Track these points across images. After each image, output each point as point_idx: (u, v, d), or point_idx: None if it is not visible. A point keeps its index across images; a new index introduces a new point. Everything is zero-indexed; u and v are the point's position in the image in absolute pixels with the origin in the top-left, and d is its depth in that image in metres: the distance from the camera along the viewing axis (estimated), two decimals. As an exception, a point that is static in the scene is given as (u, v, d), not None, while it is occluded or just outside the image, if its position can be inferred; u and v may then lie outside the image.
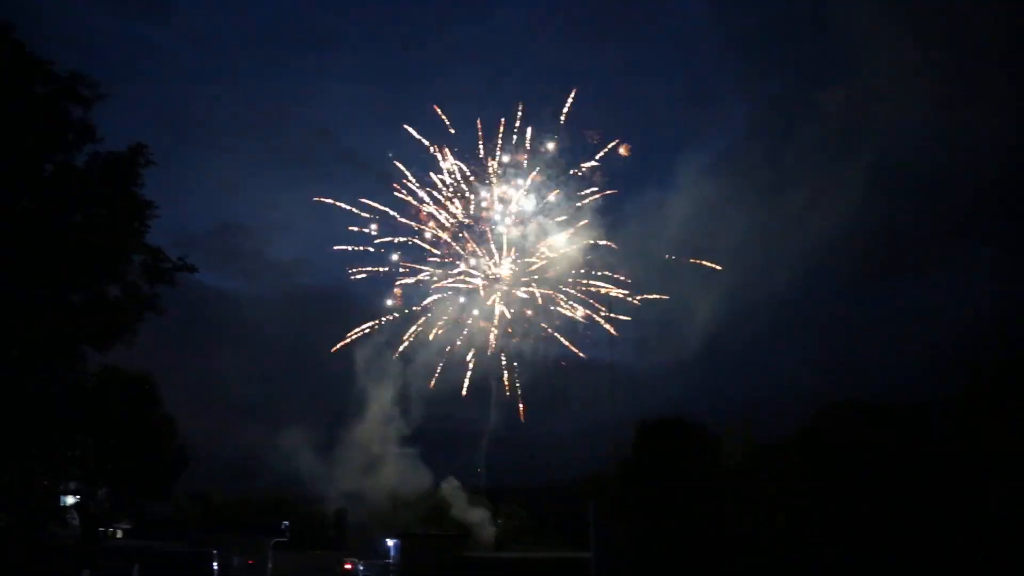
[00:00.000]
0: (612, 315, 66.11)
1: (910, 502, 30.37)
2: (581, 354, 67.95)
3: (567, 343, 68.14)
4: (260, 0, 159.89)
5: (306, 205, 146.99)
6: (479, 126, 67.20)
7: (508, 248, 68.67)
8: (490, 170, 66.94)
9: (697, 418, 41.73)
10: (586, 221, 66.74)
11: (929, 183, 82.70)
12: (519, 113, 66.44)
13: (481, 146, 66.70)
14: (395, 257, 69.08)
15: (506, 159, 67.10)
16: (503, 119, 66.48)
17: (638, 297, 67.00)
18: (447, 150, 67.10)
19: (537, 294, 68.24)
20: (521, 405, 68.27)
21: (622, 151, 65.83)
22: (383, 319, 70.06)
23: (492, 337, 69.68)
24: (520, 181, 67.67)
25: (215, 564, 42.00)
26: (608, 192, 66.60)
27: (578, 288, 67.78)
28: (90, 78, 21.04)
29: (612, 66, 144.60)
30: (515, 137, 66.32)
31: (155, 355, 39.30)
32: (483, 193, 68.40)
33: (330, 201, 70.54)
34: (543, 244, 67.92)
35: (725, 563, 34.31)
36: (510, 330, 68.82)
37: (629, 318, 67.64)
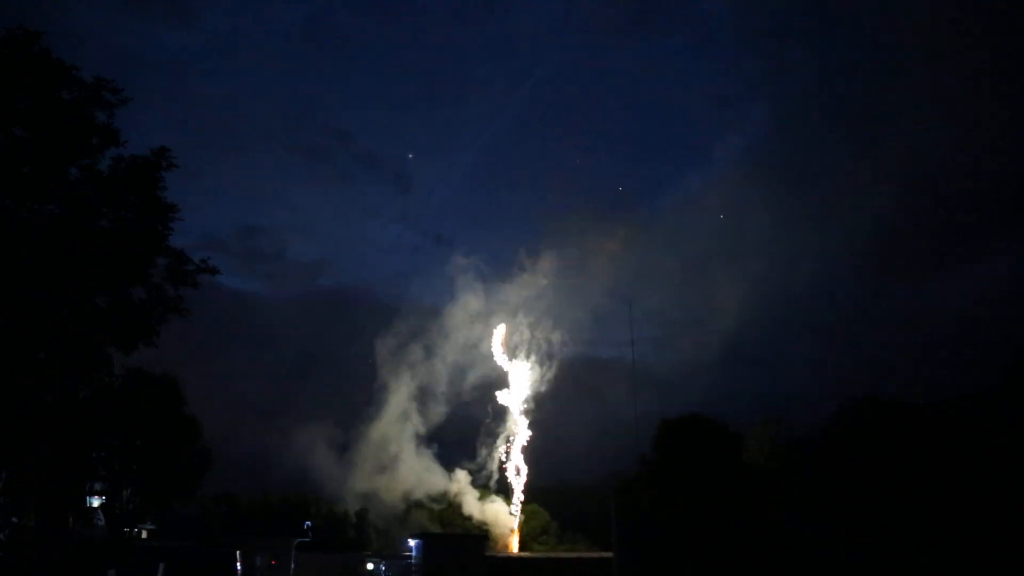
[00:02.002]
0: None
1: (935, 500, 29.99)
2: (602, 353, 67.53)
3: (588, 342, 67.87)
4: (282, 4, 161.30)
5: (326, 206, 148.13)
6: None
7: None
8: None
9: (719, 416, 41.47)
10: None
11: (952, 180, 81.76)
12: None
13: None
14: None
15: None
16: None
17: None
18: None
19: None
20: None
21: None
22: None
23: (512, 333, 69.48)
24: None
25: (238, 564, 42.36)
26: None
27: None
28: (114, 83, 21.24)
29: (632, 65, 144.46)
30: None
31: (179, 357, 39.67)
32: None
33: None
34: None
35: (749, 561, 34.06)
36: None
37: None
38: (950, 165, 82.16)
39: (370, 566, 56.49)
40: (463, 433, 75.74)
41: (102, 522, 41.37)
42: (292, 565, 52.18)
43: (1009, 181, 78.88)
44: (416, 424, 71.69)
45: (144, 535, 52.78)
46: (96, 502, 41.36)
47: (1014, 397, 30.65)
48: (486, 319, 72.88)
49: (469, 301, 73.49)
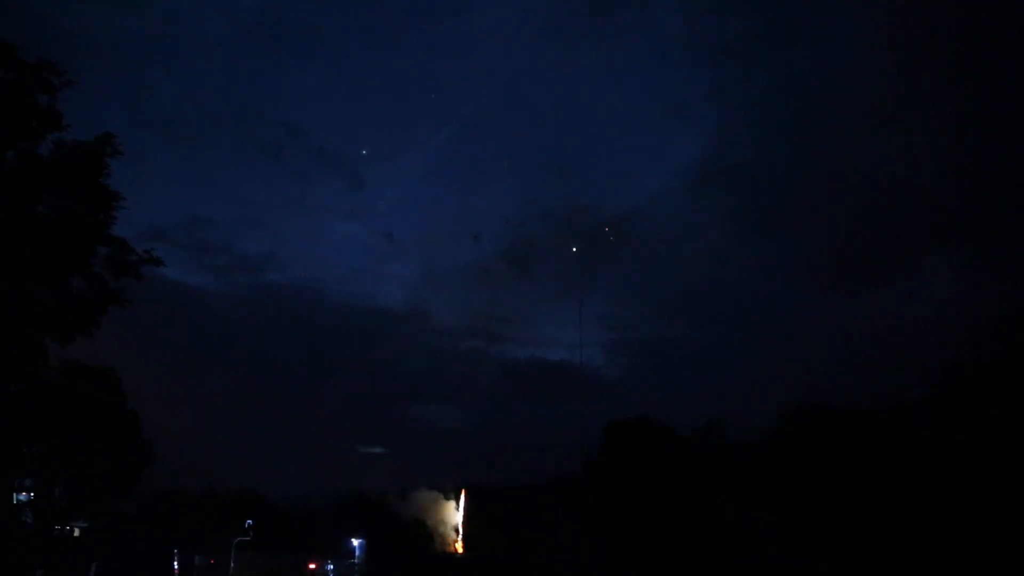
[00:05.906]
0: None
1: (873, 504, 30.82)
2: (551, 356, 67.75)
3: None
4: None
5: (276, 201, 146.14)
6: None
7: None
8: None
9: (665, 419, 42.01)
10: None
11: (892, 192, 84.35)
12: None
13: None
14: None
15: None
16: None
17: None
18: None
19: None
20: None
21: None
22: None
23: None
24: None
25: (176, 563, 41.25)
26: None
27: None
28: (57, 65, 20.45)
29: (588, 71, 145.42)
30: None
31: (120, 350, 38.56)
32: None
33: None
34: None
35: (694, 561, 34.54)
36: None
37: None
38: (891, 178, 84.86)
39: (312, 566, 55.68)
40: (409, 431, 75.40)
41: (30, 520, 39.85)
42: (231, 564, 51.06)
43: (947, 194, 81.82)
44: (358, 422, 71.10)
45: (76, 533, 51.06)
46: (24, 498, 39.88)
47: (946, 406, 31.72)
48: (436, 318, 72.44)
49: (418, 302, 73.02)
